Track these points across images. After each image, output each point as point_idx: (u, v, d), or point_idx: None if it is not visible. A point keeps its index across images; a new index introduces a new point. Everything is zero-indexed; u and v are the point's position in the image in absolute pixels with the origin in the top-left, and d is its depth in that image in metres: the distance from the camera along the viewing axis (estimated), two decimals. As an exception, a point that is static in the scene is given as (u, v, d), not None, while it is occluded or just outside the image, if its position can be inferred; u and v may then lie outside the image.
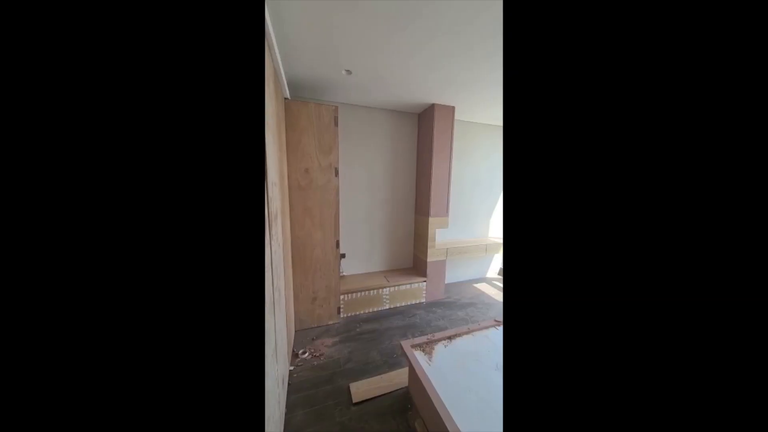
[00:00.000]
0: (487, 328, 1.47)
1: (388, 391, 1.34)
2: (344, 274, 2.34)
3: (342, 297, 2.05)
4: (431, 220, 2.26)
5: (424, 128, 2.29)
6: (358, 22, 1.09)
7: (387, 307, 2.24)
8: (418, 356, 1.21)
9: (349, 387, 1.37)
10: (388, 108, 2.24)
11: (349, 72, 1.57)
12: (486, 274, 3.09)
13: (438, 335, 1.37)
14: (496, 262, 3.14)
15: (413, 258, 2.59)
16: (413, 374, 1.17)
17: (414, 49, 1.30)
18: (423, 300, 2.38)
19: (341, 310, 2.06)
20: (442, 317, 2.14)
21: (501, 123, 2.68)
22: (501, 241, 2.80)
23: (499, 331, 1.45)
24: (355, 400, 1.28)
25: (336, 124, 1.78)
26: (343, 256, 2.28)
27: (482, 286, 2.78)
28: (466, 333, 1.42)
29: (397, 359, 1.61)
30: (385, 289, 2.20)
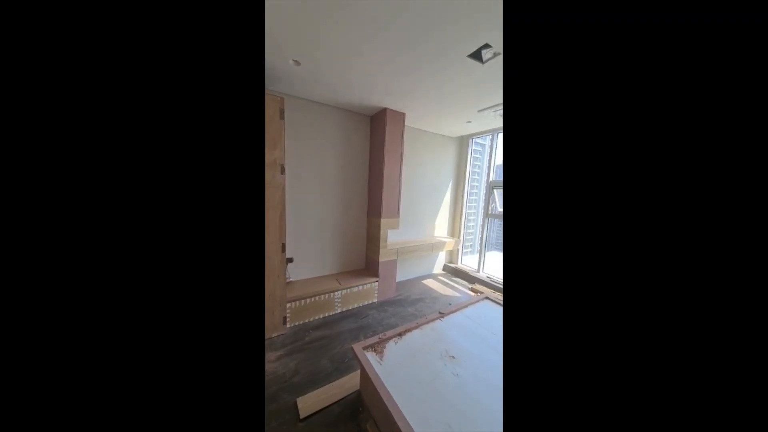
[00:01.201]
0: (433, 320, 1.59)
1: (339, 398, 1.30)
2: (291, 279, 2.16)
3: (289, 305, 1.89)
4: (383, 221, 2.31)
5: (376, 131, 2.33)
6: (308, 11, 1.03)
7: (339, 311, 2.18)
8: (370, 357, 1.21)
9: (296, 402, 1.27)
10: (341, 107, 2.19)
11: (297, 62, 1.47)
12: (432, 270, 3.35)
13: (389, 333, 1.40)
14: (441, 258, 3.44)
15: (366, 259, 2.59)
16: (365, 376, 1.16)
17: (363, 51, 1.30)
18: (375, 300, 2.41)
19: (287, 319, 1.90)
20: (394, 315, 2.21)
21: (449, 134, 2.96)
22: (445, 240, 3.08)
23: (443, 322, 1.59)
24: (302, 415, 1.19)
25: (282, 117, 1.63)
26: (290, 260, 2.10)
27: (429, 282, 3.00)
28: (415, 327, 1.50)
29: (349, 363, 1.58)
30: (336, 293, 2.14)
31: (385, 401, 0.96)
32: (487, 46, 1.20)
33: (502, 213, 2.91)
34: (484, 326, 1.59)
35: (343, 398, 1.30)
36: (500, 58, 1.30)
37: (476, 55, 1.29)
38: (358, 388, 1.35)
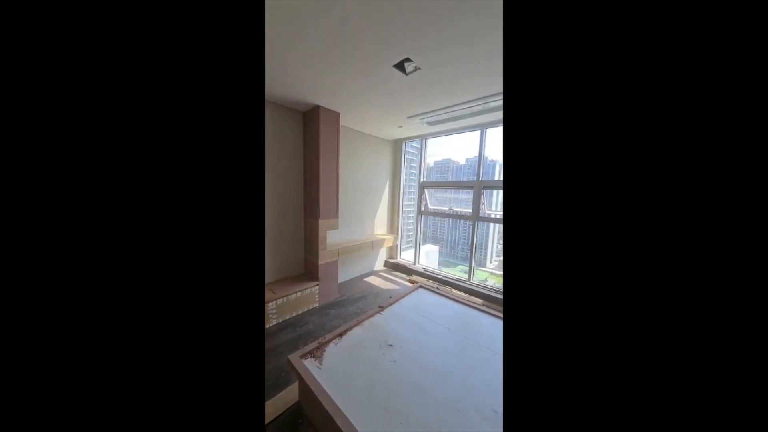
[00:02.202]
0: (372, 315, 1.66)
1: (276, 416, 1.20)
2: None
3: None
4: (322, 222, 2.24)
5: (309, 129, 2.23)
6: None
7: (274, 323, 1.99)
8: (308, 364, 1.17)
9: (220, 436, 1.10)
10: (270, 100, 1.99)
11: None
12: (374, 267, 3.46)
13: (329, 336, 1.38)
14: (382, 255, 3.59)
15: (304, 263, 2.46)
16: (303, 385, 1.12)
17: (293, 42, 1.23)
18: (317, 305, 2.31)
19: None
20: (336, 317, 2.18)
21: (385, 136, 3.10)
22: (385, 237, 3.23)
23: (383, 315, 1.67)
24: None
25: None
26: (207, 274, 1.78)
27: (371, 279, 3.09)
28: (356, 325, 1.53)
29: (287, 376, 1.47)
30: (270, 304, 1.95)
31: (324, 404, 0.95)
32: (408, 60, 1.33)
33: (433, 210, 3.28)
34: (418, 312, 1.76)
35: (279, 416, 1.20)
36: (422, 72, 1.45)
37: (400, 66, 1.40)
38: (297, 400, 1.28)
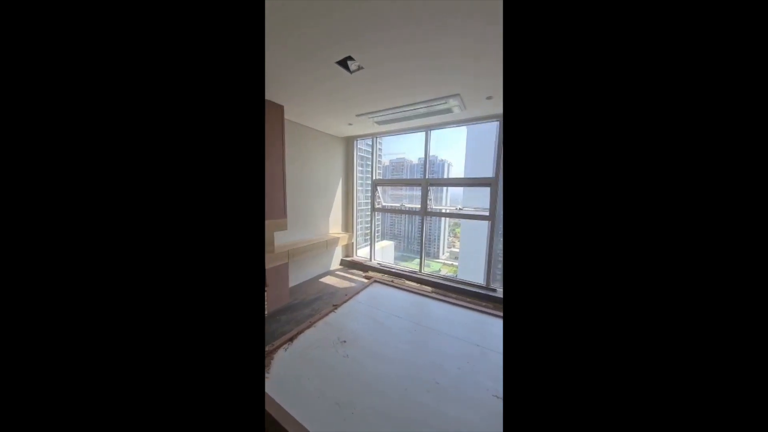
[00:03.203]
0: (326, 314, 1.64)
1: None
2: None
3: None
4: (268, 222, 2.08)
5: (248, 121, 2.02)
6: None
7: (214, 338, 1.77)
8: (253, 375, 1.09)
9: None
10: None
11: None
12: (330, 267, 3.39)
13: (277, 342, 1.32)
14: (338, 253, 3.54)
15: (249, 269, 2.24)
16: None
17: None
18: (265, 312, 2.15)
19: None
20: (288, 322, 2.07)
21: (336, 133, 3.02)
22: (340, 235, 3.19)
23: (337, 313, 1.67)
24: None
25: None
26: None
27: (327, 279, 3.03)
28: (308, 327, 1.49)
29: (229, 394, 1.34)
30: (208, 317, 1.72)
31: (273, 413, 0.91)
32: (351, 58, 1.34)
33: (386, 206, 3.38)
34: (372, 306, 1.82)
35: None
36: (367, 72, 1.48)
37: (344, 64, 1.40)
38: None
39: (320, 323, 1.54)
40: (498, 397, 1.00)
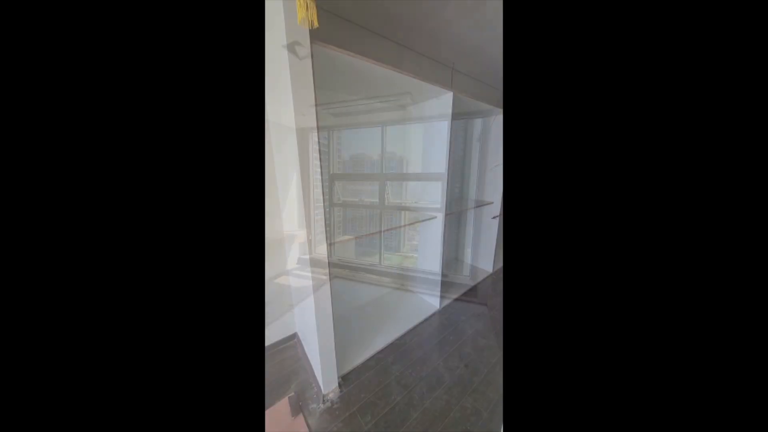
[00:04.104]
0: (281, 316, 1.55)
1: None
2: None
3: None
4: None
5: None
6: None
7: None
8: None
9: None
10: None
11: None
12: (286, 266, 3.20)
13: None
14: (295, 252, 3.37)
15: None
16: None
17: None
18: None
19: None
20: (237, 329, 1.89)
21: (289, 123, 2.80)
22: (296, 233, 3.02)
23: (292, 313, 1.59)
24: None
25: None
26: None
27: (282, 280, 2.85)
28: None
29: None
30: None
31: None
32: (298, 43, 1.25)
33: (344, 201, 3.32)
34: (331, 301, 1.79)
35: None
36: (317, 61, 1.41)
37: (291, 49, 1.31)
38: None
39: (273, 326, 1.46)
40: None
